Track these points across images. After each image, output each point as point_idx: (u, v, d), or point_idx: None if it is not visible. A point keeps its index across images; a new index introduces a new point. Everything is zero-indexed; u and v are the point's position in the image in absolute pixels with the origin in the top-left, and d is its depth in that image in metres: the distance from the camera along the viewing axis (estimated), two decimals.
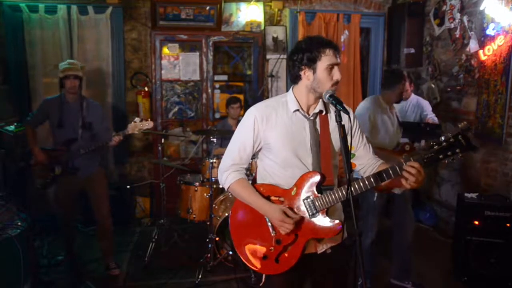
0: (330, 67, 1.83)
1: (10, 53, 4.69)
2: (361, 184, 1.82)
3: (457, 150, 1.72)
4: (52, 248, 4.06)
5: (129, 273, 3.79)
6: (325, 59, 1.82)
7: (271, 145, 1.92)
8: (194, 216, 3.98)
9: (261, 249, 1.92)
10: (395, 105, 3.37)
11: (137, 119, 3.42)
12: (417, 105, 4.41)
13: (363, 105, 3.27)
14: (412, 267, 3.44)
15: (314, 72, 1.84)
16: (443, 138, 1.75)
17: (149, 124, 3.42)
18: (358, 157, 2.06)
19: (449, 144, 1.73)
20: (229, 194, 4.00)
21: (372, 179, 1.81)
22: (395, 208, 3.38)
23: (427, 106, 4.41)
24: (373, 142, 3.08)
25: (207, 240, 3.75)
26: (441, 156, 1.74)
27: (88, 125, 3.50)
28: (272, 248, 1.89)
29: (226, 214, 3.73)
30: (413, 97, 4.45)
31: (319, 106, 1.93)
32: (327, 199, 1.84)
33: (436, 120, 4.30)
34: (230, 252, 3.76)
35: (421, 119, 4.33)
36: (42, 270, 3.66)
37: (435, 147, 1.75)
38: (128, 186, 4.94)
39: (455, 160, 1.75)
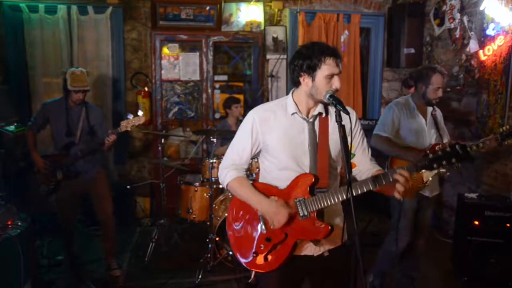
0: (330, 76, 1.82)
1: (10, 53, 4.69)
2: (353, 190, 1.80)
3: (453, 160, 1.68)
4: (52, 248, 4.06)
5: (129, 273, 3.79)
6: (325, 68, 1.81)
7: (269, 147, 1.95)
8: (194, 216, 3.98)
9: (252, 246, 1.96)
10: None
11: (130, 116, 3.38)
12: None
13: (388, 107, 3.18)
14: (416, 276, 3.30)
15: (313, 80, 1.84)
16: (439, 146, 1.73)
17: (140, 120, 3.36)
18: (356, 162, 2.06)
19: (445, 153, 1.69)
20: (229, 194, 4.00)
21: (364, 185, 1.81)
22: (419, 210, 3.16)
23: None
24: (402, 143, 3.04)
25: (207, 240, 3.76)
26: (435, 165, 1.71)
27: (90, 129, 3.51)
28: (262, 245, 1.93)
29: (226, 214, 3.72)
30: None
31: (319, 109, 1.94)
32: (319, 201, 1.85)
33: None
34: (230, 252, 3.76)
35: None
36: (42, 270, 3.67)
37: (430, 155, 1.72)
38: (128, 186, 4.94)
39: (450, 170, 1.72)
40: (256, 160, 4.03)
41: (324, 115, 1.95)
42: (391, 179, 1.77)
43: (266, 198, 1.91)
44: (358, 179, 2.05)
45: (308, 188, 1.87)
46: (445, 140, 3.13)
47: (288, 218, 1.85)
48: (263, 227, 1.93)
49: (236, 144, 2.04)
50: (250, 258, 1.96)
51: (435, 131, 3.13)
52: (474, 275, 3.51)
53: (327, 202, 1.84)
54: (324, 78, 1.82)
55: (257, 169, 3.97)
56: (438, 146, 3.00)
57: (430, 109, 3.14)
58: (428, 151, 1.76)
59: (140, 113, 3.44)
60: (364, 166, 2.05)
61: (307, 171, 1.91)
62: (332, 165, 1.97)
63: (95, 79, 4.89)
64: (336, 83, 1.83)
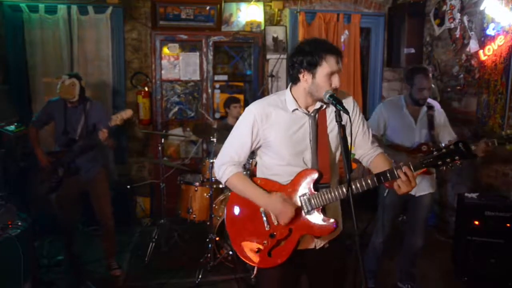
0: (330, 74, 1.80)
1: (10, 53, 4.68)
2: (358, 184, 1.82)
3: (456, 158, 1.73)
4: (52, 248, 4.06)
5: (129, 273, 3.79)
6: (326, 66, 1.78)
7: (270, 143, 1.92)
8: (194, 216, 3.98)
9: (255, 243, 1.94)
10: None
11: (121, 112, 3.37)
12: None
13: (378, 105, 3.25)
14: (415, 272, 3.34)
15: (313, 77, 1.81)
16: (443, 144, 1.76)
17: (127, 113, 3.32)
18: (357, 146, 2.07)
19: (448, 151, 1.74)
20: (229, 194, 4.00)
21: (369, 180, 1.81)
22: (408, 209, 3.24)
23: (437, 106, 4.38)
24: (388, 141, 3.09)
25: (207, 240, 3.76)
26: (440, 163, 1.75)
27: (92, 127, 3.50)
28: (265, 241, 1.92)
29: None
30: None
31: (319, 103, 1.92)
32: (323, 197, 1.85)
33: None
34: (230, 252, 3.76)
35: None
36: (42, 270, 3.67)
37: (435, 153, 1.77)
38: (128, 186, 4.94)
39: (453, 167, 1.76)
40: (255, 159, 4.02)
41: (323, 107, 1.94)
42: (397, 176, 1.78)
43: (269, 194, 1.90)
44: (360, 162, 2.10)
45: (312, 184, 1.86)
46: (447, 140, 3.10)
47: (293, 216, 1.84)
48: (266, 223, 1.92)
49: (234, 140, 1.98)
50: (253, 255, 1.95)
51: (427, 131, 3.13)
52: (474, 275, 3.51)
53: (331, 198, 1.84)
54: (325, 76, 1.79)
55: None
56: (424, 146, 3.08)
57: (424, 108, 3.15)
58: (432, 148, 1.78)
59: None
60: (365, 150, 2.07)
61: (309, 166, 1.91)
62: (333, 159, 1.96)
63: (95, 79, 4.89)
64: (336, 81, 1.81)
